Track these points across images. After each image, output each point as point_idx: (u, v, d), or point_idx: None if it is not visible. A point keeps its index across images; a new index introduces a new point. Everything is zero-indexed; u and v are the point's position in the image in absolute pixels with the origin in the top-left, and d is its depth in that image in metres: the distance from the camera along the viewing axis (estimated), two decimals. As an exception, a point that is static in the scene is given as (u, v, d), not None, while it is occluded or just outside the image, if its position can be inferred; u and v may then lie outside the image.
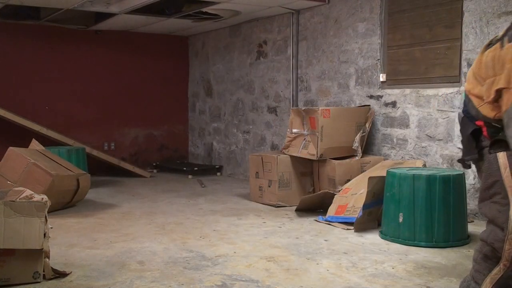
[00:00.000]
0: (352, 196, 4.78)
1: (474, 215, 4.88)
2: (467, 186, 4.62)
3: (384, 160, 5.54)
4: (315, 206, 5.30)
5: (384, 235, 4.26)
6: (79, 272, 3.34)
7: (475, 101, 2.42)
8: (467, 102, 2.48)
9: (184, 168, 8.12)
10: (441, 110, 5.12)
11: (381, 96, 5.74)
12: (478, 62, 2.43)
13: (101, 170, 7.99)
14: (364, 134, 5.63)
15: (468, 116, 2.48)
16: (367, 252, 3.85)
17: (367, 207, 4.47)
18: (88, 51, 8.26)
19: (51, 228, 3.86)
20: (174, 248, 3.95)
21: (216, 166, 8.37)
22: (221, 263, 3.55)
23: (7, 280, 3.04)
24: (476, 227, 4.55)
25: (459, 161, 2.57)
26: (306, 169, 5.79)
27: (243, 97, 7.90)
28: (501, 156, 2.28)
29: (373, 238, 4.27)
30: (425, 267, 3.48)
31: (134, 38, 8.60)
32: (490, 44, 2.39)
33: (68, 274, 3.27)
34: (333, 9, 6.31)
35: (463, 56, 4.93)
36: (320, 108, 5.49)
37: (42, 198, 3.27)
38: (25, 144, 5.98)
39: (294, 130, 5.79)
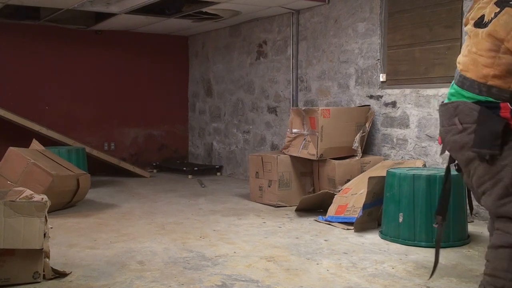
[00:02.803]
0: (352, 196, 4.78)
1: (474, 215, 4.88)
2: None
3: (384, 160, 5.54)
4: (315, 206, 5.30)
5: (384, 235, 4.26)
6: (79, 272, 3.34)
7: (463, 72, 2.41)
8: (470, 87, 2.41)
9: (184, 168, 8.12)
10: (441, 110, 5.11)
11: (381, 96, 5.74)
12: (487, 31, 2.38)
13: (101, 170, 7.99)
14: (364, 134, 5.63)
15: (489, 105, 2.36)
16: (367, 252, 3.85)
17: (367, 207, 4.47)
18: (88, 51, 8.26)
19: (51, 228, 3.86)
20: (174, 248, 3.95)
21: (216, 166, 8.37)
22: (221, 263, 3.55)
23: (7, 280, 3.04)
24: (476, 227, 4.55)
25: (476, 151, 2.38)
26: (306, 169, 5.79)
27: (243, 97, 7.91)
28: None
29: (373, 238, 4.27)
30: (425, 267, 3.48)
31: (134, 38, 8.60)
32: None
33: (68, 274, 3.27)
34: (333, 9, 6.31)
35: (463, 56, 4.93)
36: (320, 108, 5.49)
37: (42, 198, 3.27)
38: (25, 144, 5.98)
39: (294, 130, 5.79)
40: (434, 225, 2.79)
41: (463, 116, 2.42)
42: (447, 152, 2.69)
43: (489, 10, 2.42)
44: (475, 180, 2.43)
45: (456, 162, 2.67)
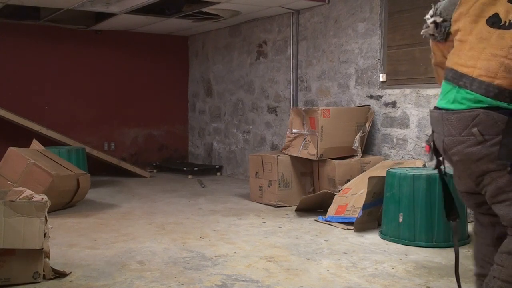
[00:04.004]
0: (352, 196, 4.78)
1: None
2: (467, 186, 4.62)
3: (384, 160, 5.54)
4: (315, 206, 5.30)
5: (384, 235, 4.26)
6: (79, 272, 3.34)
7: (485, 77, 2.22)
8: (499, 95, 2.21)
9: (184, 168, 8.12)
10: (441, 110, 5.11)
11: (381, 96, 5.74)
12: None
13: (101, 170, 7.99)
14: (364, 134, 5.63)
15: (499, 108, 2.21)
16: (367, 252, 3.85)
17: (367, 207, 4.47)
18: (88, 51, 8.26)
19: (51, 228, 3.86)
20: (174, 248, 3.95)
21: (216, 166, 8.37)
22: (221, 263, 3.55)
23: (7, 280, 3.04)
24: (476, 227, 4.54)
25: (504, 164, 2.26)
26: (306, 169, 5.79)
27: (243, 97, 7.91)
28: None
29: (373, 238, 4.27)
30: (425, 267, 3.48)
31: (134, 38, 8.60)
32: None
33: (68, 274, 3.27)
34: (333, 9, 6.31)
35: (463, 56, 4.92)
36: (320, 108, 5.49)
37: (42, 198, 3.27)
38: (25, 144, 5.98)
39: (294, 130, 5.79)
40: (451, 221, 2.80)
41: (485, 127, 2.22)
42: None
43: (504, 9, 2.24)
44: (492, 189, 2.31)
45: (443, 166, 2.62)
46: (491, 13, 2.27)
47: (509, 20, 2.21)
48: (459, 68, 2.34)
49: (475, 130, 2.25)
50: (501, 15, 2.24)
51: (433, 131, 2.52)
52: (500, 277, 2.33)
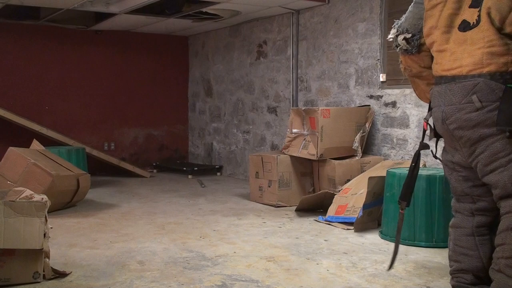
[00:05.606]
0: (352, 196, 4.78)
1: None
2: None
3: (384, 160, 5.54)
4: (315, 206, 5.30)
5: (384, 235, 4.26)
6: (79, 272, 3.34)
7: (475, 70, 2.43)
8: (492, 80, 2.40)
9: (184, 168, 8.12)
10: (441, 110, 5.11)
11: (381, 96, 5.74)
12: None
13: (101, 170, 8.00)
14: (364, 134, 5.63)
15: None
16: (367, 252, 3.86)
17: (367, 207, 4.47)
18: (88, 51, 8.27)
19: (51, 228, 3.86)
20: (174, 248, 3.95)
21: (216, 166, 8.37)
22: (221, 263, 3.55)
23: (7, 280, 3.04)
24: (476, 227, 4.54)
25: (501, 129, 2.41)
26: (306, 169, 5.79)
27: (243, 97, 7.91)
28: None
29: (373, 238, 4.27)
30: (425, 267, 3.49)
31: (134, 38, 8.60)
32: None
33: (68, 274, 3.27)
34: (333, 9, 6.31)
35: (463, 56, 4.92)
36: (320, 108, 5.49)
37: (42, 198, 3.27)
38: (25, 144, 5.98)
39: (294, 130, 5.79)
40: (400, 211, 2.91)
41: (484, 94, 2.41)
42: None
43: (468, 14, 2.47)
44: (485, 157, 2.45)
45: (432, 148, 2.77)
46: (459, 21, 2.51)
47: (476, 20, 2.45)
48: (447, 73, 2.56)
49: (474, 97, 2.44)
50: (468, 20, 2.47)
51: (430, 109, 2.72)
52: (504, 255, 2.43)
